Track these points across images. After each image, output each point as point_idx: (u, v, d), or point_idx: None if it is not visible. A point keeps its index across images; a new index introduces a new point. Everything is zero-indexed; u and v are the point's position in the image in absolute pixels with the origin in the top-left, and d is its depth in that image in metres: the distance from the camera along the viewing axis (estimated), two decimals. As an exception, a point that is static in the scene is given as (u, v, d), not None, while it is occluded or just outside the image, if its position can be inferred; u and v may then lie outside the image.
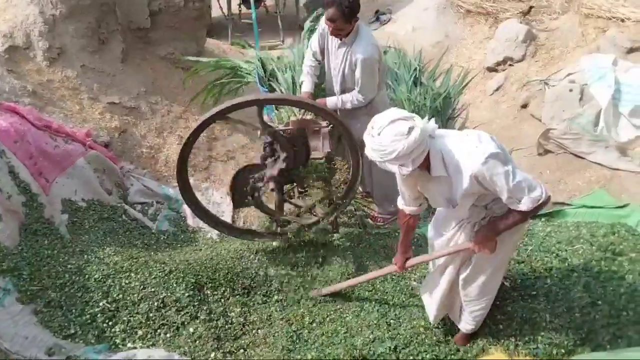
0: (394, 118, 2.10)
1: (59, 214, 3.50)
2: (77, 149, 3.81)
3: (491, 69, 5.67)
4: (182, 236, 4.02)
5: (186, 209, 4.19)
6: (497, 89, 5.41)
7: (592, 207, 3.93)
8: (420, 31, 6.48)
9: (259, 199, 3.33)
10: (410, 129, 2.06)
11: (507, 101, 5.22)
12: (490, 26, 6.27)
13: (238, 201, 3.31)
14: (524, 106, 4.97)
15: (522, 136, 4.80)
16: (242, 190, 3.25)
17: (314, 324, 3.22)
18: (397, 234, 3.31)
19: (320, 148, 3.29)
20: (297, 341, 3.08)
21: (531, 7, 5.54)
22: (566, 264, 3.19)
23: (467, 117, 5.39)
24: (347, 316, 3.24)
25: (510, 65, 5.47)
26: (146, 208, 4.12)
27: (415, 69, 5.88)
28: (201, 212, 3.43)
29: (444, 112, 5.44)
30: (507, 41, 5.47)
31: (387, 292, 3.34)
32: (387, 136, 2.07)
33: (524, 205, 2.19)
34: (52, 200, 3.50)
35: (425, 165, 2.24)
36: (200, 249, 3.80)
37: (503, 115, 5.14)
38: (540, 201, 2.19)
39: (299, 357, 2.94)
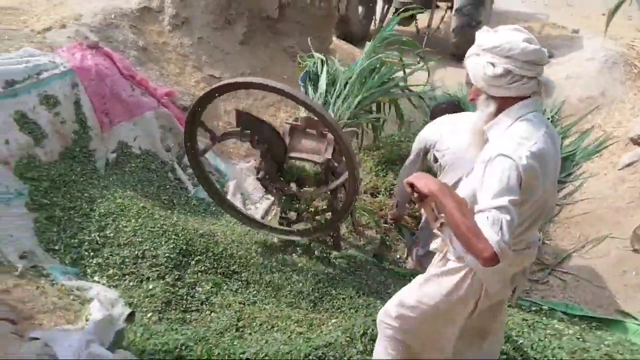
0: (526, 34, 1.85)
1: (108, 152, 3.93)
2: (150, 103, 4.22)
3: (635, 142, 4.67)
4: (213, 208, 4.16)
5: (230, 186, 4.36)
6: (629, 165, 4.44)
7: (662, 331, 3.01)
8: (573, 81, 5.64)
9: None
10: (533, 42, 1.80)
11: (634, 181, 4.25)
12: (663, 95, 5.17)
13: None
14: (647, 191, 3.99)
15: (628, 224, 3.87)
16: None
17: (259, 329, 3.06)
18: (409, 279, 2.82)
19: (321, 152, 3.11)
20: (229, 337, 2.94)
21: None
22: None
23: (580, 186, 4.54)
24: (299, 333, 3.02)
25: (657, 141, 4.44)
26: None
27: (547, 119, 5.17)
28: (205, 181, 3.52)
29: (555, 174, 4.68)
30: (661, 112, 4.45)
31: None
32: (508, 32, 1.85)
33: (478, 216, 1.68)
34: (108, 138, 3.93)
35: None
36: (215, 223, 3.90)
37: (620, 196, 4.20)
38: (484, 237, 1.63)
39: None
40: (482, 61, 1.87)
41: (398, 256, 3.93)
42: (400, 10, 7.23)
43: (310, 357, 2.68)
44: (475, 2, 6.14)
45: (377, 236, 3.83)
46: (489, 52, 1.84)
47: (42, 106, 3.58)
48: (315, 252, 3.53)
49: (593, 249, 3.85)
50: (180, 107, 4.50)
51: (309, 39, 4.74)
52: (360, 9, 7.50)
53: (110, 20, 4.48)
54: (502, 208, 1.65)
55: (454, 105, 3.65)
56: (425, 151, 3.33)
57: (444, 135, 3.21)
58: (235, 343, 2.77)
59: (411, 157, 3.41)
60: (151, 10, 4.87)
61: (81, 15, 4.34)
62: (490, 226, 1.63)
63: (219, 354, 2.63)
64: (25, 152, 3.42)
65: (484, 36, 1.92)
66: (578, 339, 2.80)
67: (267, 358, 2.62)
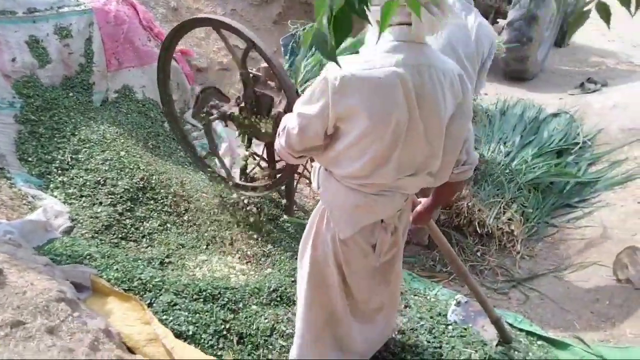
0: None
1: (110, 91, 4.16)
2: (162, 55, 4.42)
3: (666, 177, 4.17)
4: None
5: (223, 147, 4.43)
6: (650, 198, 3.97)
7: (608, 362, 2.63)
8: (619, 110, 5.15)
9: (209, 125, 3.37)
10: None
11: (649, 215, 3.79)
12: None
13: (195, 113, 3.42)
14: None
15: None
16: (201, 105, 3.33)
17: (182, 268, 3.05)
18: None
19: (276, 105, 3.08)
20: (144, 265, 2.93)
21: None
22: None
23: (588, 213, 4.11)
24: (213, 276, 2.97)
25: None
26: (192, 131, 4.49)
27: (578, 144, 4.78)
28: (174, 122, 3.64)
29: (567, 195, 4.28)
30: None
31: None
32: None
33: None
34: (112, 78, 4.17)
35: None
36: (189, 175, 3.97)
37: (629, 229, 3.77)
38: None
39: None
40: None
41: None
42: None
43: (204, 293, 2.63)
44: (527, 17, 5.82)
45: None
46: None
47: (55, 35, 3.88)
48: (266, 213, 3.47)
49: (574, 273, 3.46)
50: (194, 68, 4.68)
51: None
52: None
53: (149, -22, 4.78)
54: (291, 117, 1.78)
55: None
56: None
57: None
58: (141, 267, 2.77)
59: None
60: (195, -21, 5.14)
61: (122, -30, 4.66)
62: (280, 128, 1.85)
63: (117, 269, 2.65)
64: (28, 72, 3.72)
65: None
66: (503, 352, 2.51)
67: (158, 283, 2.60)
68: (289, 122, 1.77)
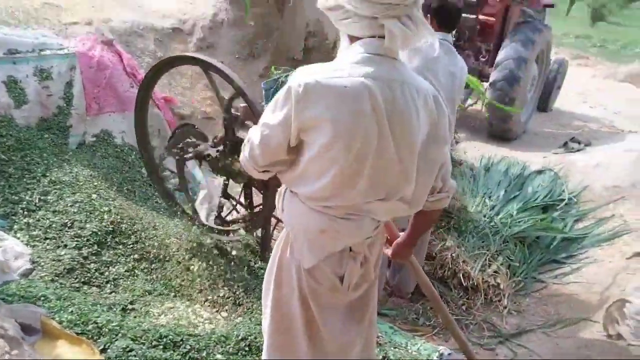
0: None
1: (88, 134, 4.09)
2: (144, 102, 4.39)
3: (654, 233, 4.09)
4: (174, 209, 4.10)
5: (200, 194, 4.32)
6: (638, 255, 3.87)
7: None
8: (602, 169, 5.15)
9: (181, 162, 3.34)
10: None
11: (636, 271, 3.68)
12: None
13: (169, 146, 3.35)
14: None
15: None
16: (177, 141, 3.26)
17: (145, 315, 2.84)
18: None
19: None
20: (104, 309, 2.72)
21: None
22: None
23: (576, 269, 3.98)
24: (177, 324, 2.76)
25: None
26: (171, 178, 4.38)
27: (563, 200, 4.72)
28: (144, 148, 3.63)
29: (554, 251, 4.16)
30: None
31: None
32: None
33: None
34: (92, 122, 4.11)
35: None
36: (163, 219, 3.82)
37: (617, 284, 3.65)
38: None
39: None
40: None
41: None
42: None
43: (165, 340, 2.42)
44: (509, 78, 5.94)
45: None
46: None
47: (34, 77, 3.86)
48: (241, 258, 3.31)
49: (564, 329, 3.29)
50: (177, 115, 4.64)
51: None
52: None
53: (136, 29, 4.84)
54: (255, 129, 1.70)
55: None
56: None
57: None
58: (98, 311, 2.57)
59: None
60: (182, 32, 5.21)
61: (111, 19, 4.73)
62: (245, 139, 1.76)
63: (72, 311, 2.45)
64: (2, 111, 3.65)
65: None
66: None
67: (115, 327, 2.40)
68: (253, 133, 1.69)
